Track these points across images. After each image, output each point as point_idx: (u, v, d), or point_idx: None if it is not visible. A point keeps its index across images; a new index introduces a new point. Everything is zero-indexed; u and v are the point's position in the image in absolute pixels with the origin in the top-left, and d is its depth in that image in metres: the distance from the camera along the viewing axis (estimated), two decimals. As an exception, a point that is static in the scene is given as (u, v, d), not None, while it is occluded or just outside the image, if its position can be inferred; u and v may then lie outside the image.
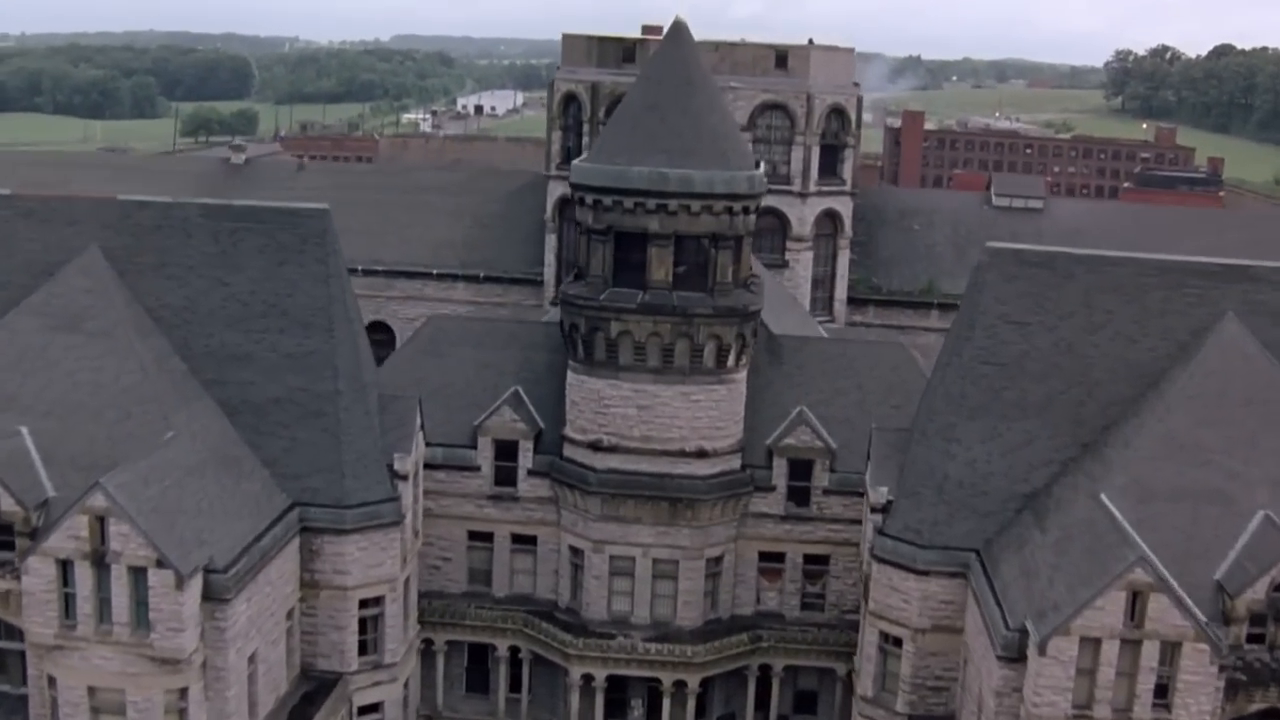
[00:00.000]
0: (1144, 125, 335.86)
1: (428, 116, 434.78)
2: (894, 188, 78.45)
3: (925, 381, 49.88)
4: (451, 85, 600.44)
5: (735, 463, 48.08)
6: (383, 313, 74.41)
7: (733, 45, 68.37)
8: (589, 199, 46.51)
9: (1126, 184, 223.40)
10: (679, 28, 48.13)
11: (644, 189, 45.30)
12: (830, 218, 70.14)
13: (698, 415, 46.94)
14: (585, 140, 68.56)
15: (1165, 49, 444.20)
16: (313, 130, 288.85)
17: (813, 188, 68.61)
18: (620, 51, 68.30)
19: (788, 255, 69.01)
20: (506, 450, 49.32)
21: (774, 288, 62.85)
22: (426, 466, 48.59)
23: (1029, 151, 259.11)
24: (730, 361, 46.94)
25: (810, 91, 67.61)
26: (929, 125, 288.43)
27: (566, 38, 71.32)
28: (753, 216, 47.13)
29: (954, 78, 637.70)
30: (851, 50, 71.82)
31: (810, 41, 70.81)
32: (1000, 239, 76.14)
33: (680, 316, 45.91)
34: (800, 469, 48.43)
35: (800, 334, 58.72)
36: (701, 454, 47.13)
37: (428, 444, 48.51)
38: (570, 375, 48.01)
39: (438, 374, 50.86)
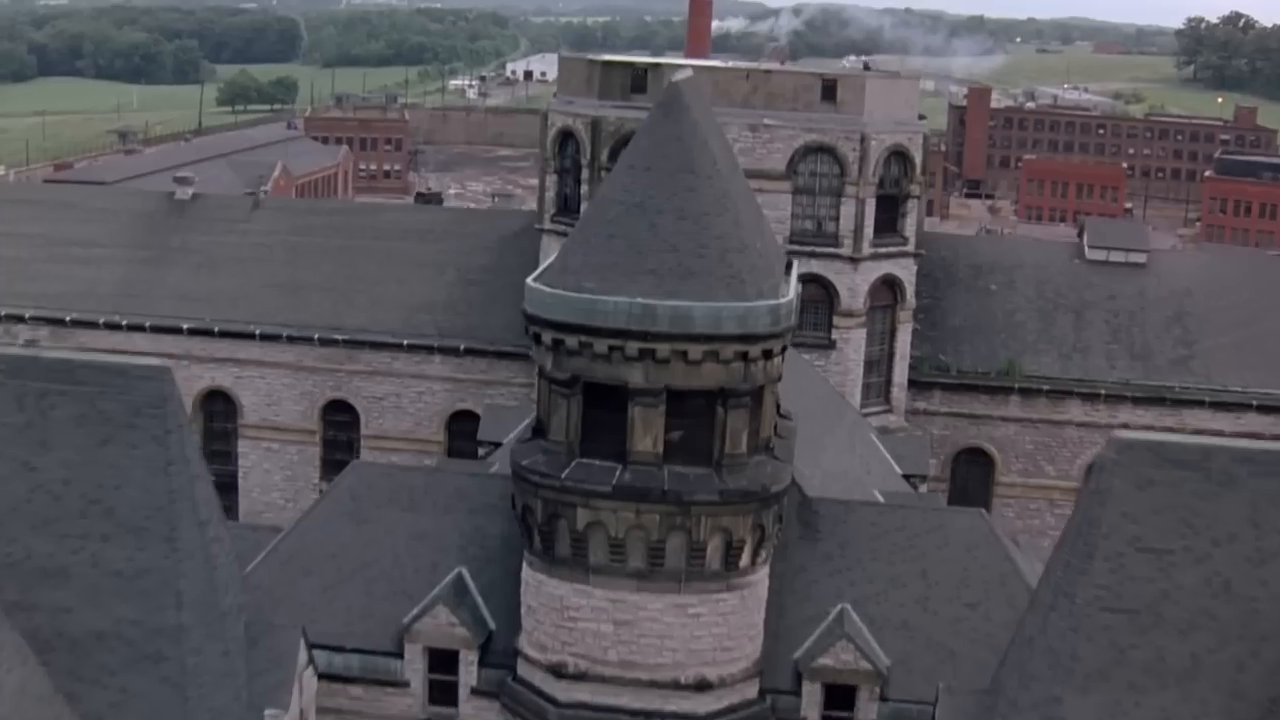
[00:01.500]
0: (1219, 99, 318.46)
1: (475, 83, 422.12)
2: (963, 238, 64.23)
3: (1012, 566, 36.60)
4: (504, 47, 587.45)
5: (750, 691, 34.92)
6: (344, 390, 61.75)
7: (768, 73, 54.94)
8: (546, 337, 33.34)
9: (1207, 171, 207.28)
10: (677, 93, 34.57)
11: (623, 328, 32.09)
12: (889, 285, 56.69)
13: (697, 634, 33.81)
14: (584, 189, 55.42)
15: (1239, 16, 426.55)
16: (349, 102, 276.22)
17: (867, 249, 55.18)
18: (628, 79, 55.05)
19: (835, 334, 55.72)
20: (444, 660, 36.45)
21: (813, 381, 49.62)
22: (338, 680, 35.96)
23: (1101, 132, 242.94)
24: (744, 561, 33.74)
25: (865, 131, 54.14)
26: (995, 96, 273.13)
27: (564, 62, 58.15)
28: (778, 360, 33.77)
29: (1018, 39, 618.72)
30: (915, 80, 58.25)
31: (865, 66, 57.06)
32: (1096, 303, 62.61)
33: (674, 504, 32.72)
34: (840, 697, 35.24)
35: (845, 451, 45.74)
36: (703, 685, 33.99)
37: (340, 649, 35.89)
38: (526, 572, 34.98)
39: (357, 547, 37.98)
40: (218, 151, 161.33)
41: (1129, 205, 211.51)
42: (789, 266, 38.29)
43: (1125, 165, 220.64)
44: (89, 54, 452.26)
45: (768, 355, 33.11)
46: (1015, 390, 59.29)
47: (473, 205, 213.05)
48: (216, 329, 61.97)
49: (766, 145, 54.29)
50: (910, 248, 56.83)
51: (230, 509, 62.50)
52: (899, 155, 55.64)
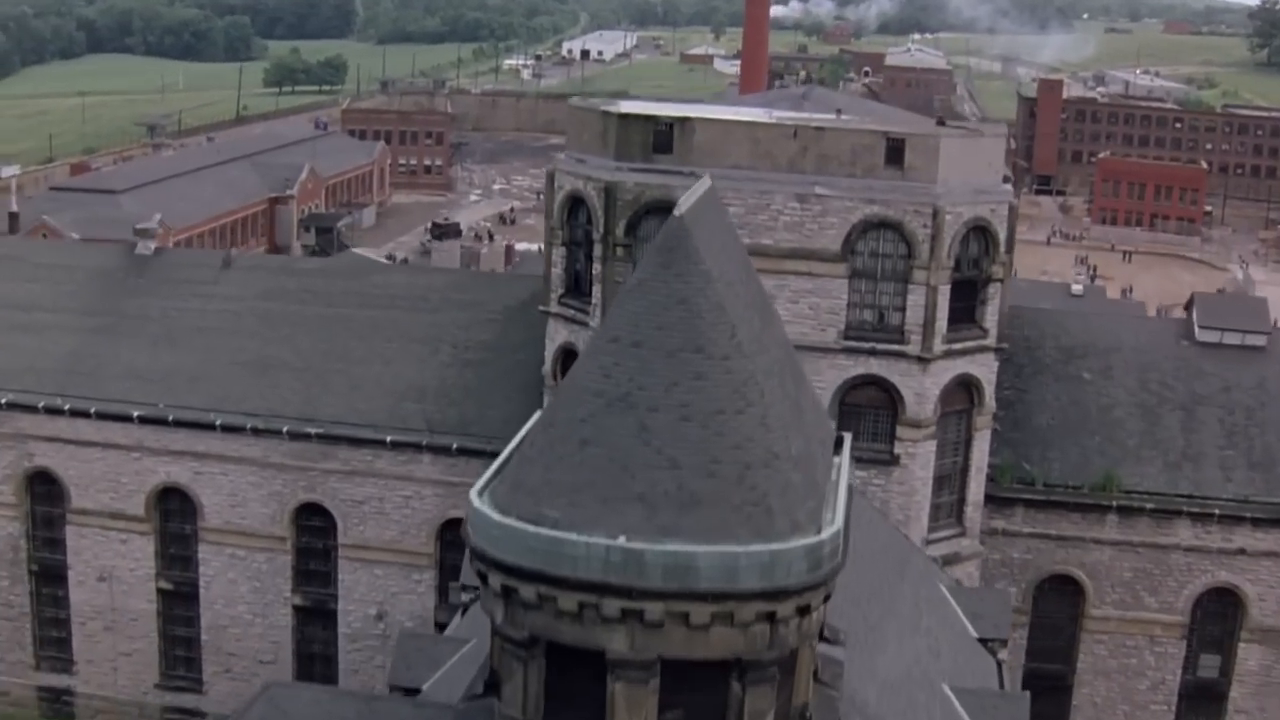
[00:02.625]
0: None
1: (529, 63, 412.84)
2: (1050, 314, 54.07)
3: None
4: (563, 23, 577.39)
5: None
6: (318, 491, 52.59)
7: (819, 130, 44.88)
8: (494, 581, 23.85)
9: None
10: (680, 234, 24.78)
11: (599, 580, 22.56)
12: (965, 387, 46.82)
13: None
14: (596, 268, 45.89)
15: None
16: (395, 88, 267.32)
17: (939, 347, 45.30)
18: (649, 136, 45.30)
19: (898, 447, 45.93)
20: None
21: (869, 521, 40.11)
22: None
23: (1178, 126, 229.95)
24: None
25: (938, 203, 44.25)
26: (1059, 77, 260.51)
27: (574, 112, 48.41)
28: (817, 615, 24.11)
29: (1085, 15, 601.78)
30: (1001, 137, 48.04)
31: (940, 122, 47.01)
32: (1209, 397, 51.94)
33: (670, 818, 23.29)
34: None
35: (909, 633, 36.59)
36: None
37: None
38: None
39: (262, 807, 28.74)
40: (242, 152, 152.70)
41: (1209, 207, 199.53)
42: (839, 443, 28.62)
43: (1203, 162, 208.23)
44: (139, 30, 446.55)
45: (804, 611, 23.46)
46: (1113, 508, 49.34)
47: (516, 204, 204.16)
48: (171, 417, 52.98)
49: (818, 219, 44.55)
50: (991, 341, 46.89)
51: (191, 621, 53.87)
52: (979, 231, 45.67)
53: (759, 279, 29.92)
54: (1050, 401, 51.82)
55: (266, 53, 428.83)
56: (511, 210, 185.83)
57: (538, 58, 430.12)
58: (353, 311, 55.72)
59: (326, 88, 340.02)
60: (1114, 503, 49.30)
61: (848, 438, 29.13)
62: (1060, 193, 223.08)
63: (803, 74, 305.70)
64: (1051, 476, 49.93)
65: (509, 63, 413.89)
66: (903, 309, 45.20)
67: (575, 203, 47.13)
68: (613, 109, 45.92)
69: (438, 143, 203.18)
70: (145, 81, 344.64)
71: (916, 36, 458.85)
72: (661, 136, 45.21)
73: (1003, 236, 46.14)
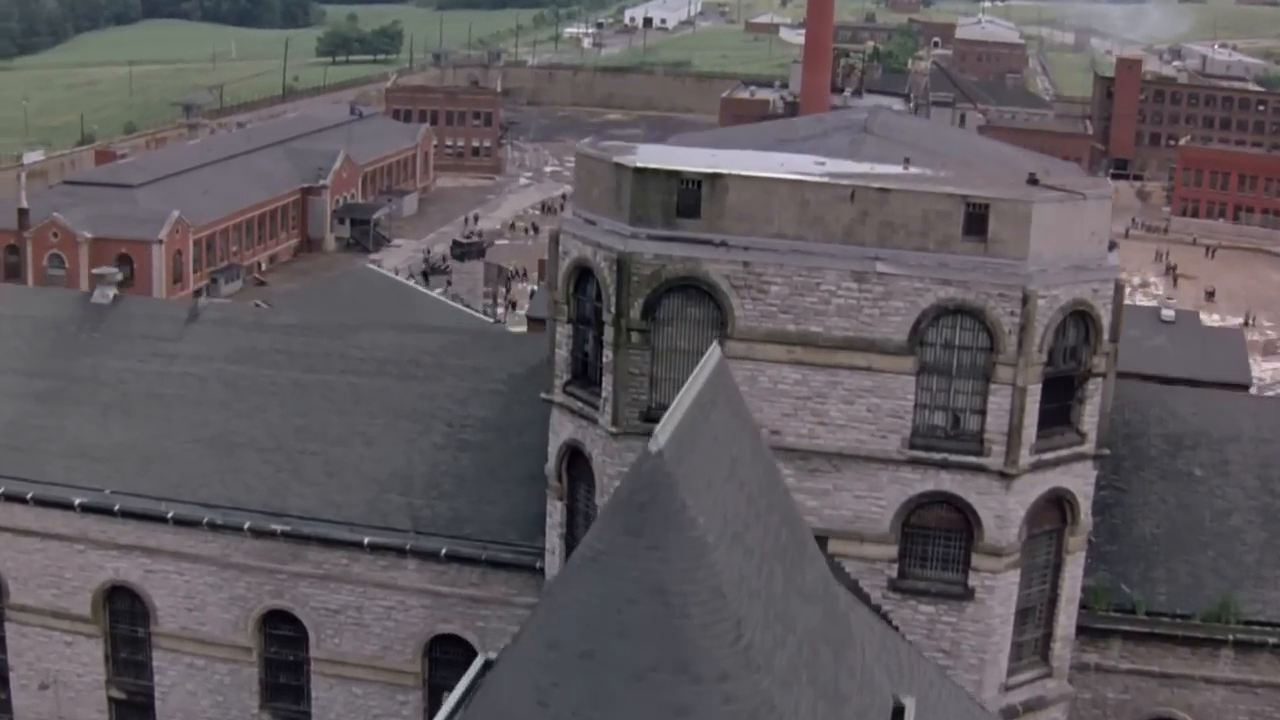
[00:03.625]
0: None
1: (590, 31, 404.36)
2: (1154, 393, 45.16)
3: None
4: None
5: None
6: (287, 596, 44.85)
7: (882, 193, 36.28)
8: None
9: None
10: (659, 485, 16.63)
11: None
12: (1057, 504, 38.27)
13: None
14: (607, 355, 37.69)
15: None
16: (448, 60, 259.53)
17: (1026, 458, 36.79)
18: (671, 196, 36.97)
19: (973, 579, 37.49)
20: None
21: (915, 665, 31.88)
22: None
23: (1261, 109, 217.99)
24: None
25: (1029, 285, 35.73)
26: (1138, 56, 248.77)
27: (582, 161, 39.94)
28: None
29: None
30: (1108, 192, 39.07)
31: (1032, 180, 38.11)
32: (1352, 495, 43.63)
33: None
34: None
35: None
36: None
37: None
38: None
39: None
40: (275, 138, 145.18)
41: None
42: (899, 715, 20.33)
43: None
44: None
45: None
46: (1229, 641, 40.73)
47: (569, 187, 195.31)
48: (117, 506, 45.31)
49: (880, 304, 36.13)
50: (1089, 447, 38.29)
51: (147, 734, 46.31)
52: (1079, 316, 37.07)
53: (788, 497, 21.56)
54: (1155, 505, 43.19)
55: (324, 18, 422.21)
56: (562, 198, 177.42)
57: (599, 25, 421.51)
58: (333, 378, 47.84)
59: (381, 57, 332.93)
60: (1230, 635, 40.67)
61: (910, 707, 20.77)
62: (1138, 177, 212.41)
63: (870, 45, 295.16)
64: (1155, 602, 41.31)
65: (569, 31, 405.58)
66: (982, 413, 36.71)
67: (583, 273, 38.88)
68: (627, 161, 37.42)
69: (486, 123, 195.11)
70: (198, 49, 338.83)
71: (987, 4, 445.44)
72: (687, 197, 36.85)
73: (1107, 321, 37.48)
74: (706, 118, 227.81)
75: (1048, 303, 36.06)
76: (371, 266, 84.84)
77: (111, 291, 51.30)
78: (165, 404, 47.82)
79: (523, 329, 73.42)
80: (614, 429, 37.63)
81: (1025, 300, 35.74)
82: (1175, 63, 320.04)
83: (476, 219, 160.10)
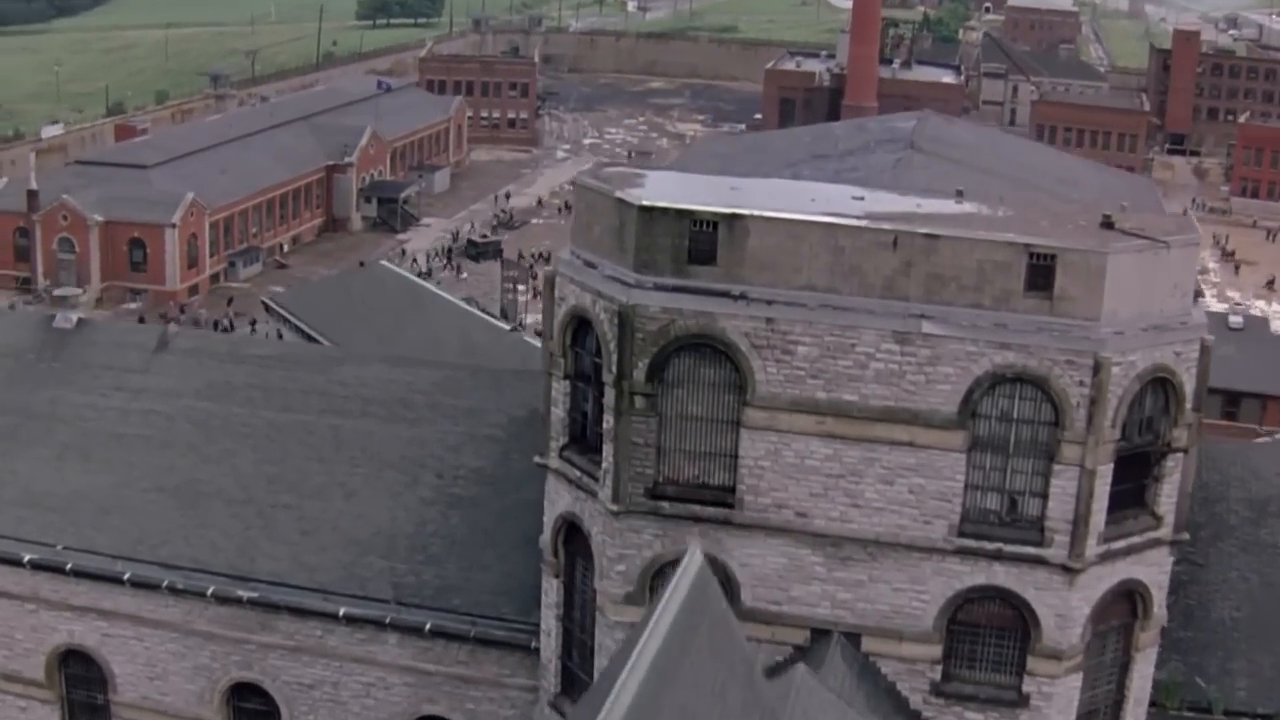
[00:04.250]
0: None
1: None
2: (1231, 449, 39.56)
3: None
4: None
5: None
6: (256, 669, 40.11)
7: (930, 239, 30.88)
8: None
9: None
10: None
11: None
12: (1128, 597, 32.99)
13: None
14: (608, 421, 32.68)
15: None
16: (488, 26, 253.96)
17: (1093, 549, 31.56)
18: (683, 239, 31.75)
19: (1029, 684, 32.32)
20: None
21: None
22: None
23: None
24: None
25: (1102, 350, 30.42)
26: (1194, 26, 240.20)
27: (582, 193, 34.59)
28: None
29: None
30: (1195, 239, 33.45)
31: (1106, 224, 32.58)
32: None
33: None
34: None
35: None
36: None
37: None
38: None
39: None
40: (299, 113, 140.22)
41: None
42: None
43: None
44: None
45: None
46: (1329, 751, 35.42)
47: (606, 160, 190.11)
48: (70, 565, 40.61)
49: (925, 369, 30.87)
50: (1166, 532, 32.97)
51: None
52: (1159, 383, 31.67)
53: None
54: (1235, 583, 37.82)
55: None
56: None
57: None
58: (312, 419, 42.96)
59: (421, 21, 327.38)
60: (1328, 742, 35.37)
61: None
62: (1194, 153, 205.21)
63: (920, 11, 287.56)
64: (1235, 699, 35.96)
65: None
66: (1043, 496, 31.44)
67: (582, 323, 33.71)
68: (631, 196, 32.15)
69: (523, 94, 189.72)
70: (238, 11, 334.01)
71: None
72: (701, 240, 31.61)
73: (1190, 388, 32.06)
74: (751, 86, 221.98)
75: (1123, 370, 30.70)
76: (385, 264, 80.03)
77: (75, 315, 46.56)
78: (127, 446, 43.07)
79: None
80: (615, 506, 32.60)
81: (1097, 368, 30.39)
82: (1231, 32, 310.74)
83: (509, 196, 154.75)
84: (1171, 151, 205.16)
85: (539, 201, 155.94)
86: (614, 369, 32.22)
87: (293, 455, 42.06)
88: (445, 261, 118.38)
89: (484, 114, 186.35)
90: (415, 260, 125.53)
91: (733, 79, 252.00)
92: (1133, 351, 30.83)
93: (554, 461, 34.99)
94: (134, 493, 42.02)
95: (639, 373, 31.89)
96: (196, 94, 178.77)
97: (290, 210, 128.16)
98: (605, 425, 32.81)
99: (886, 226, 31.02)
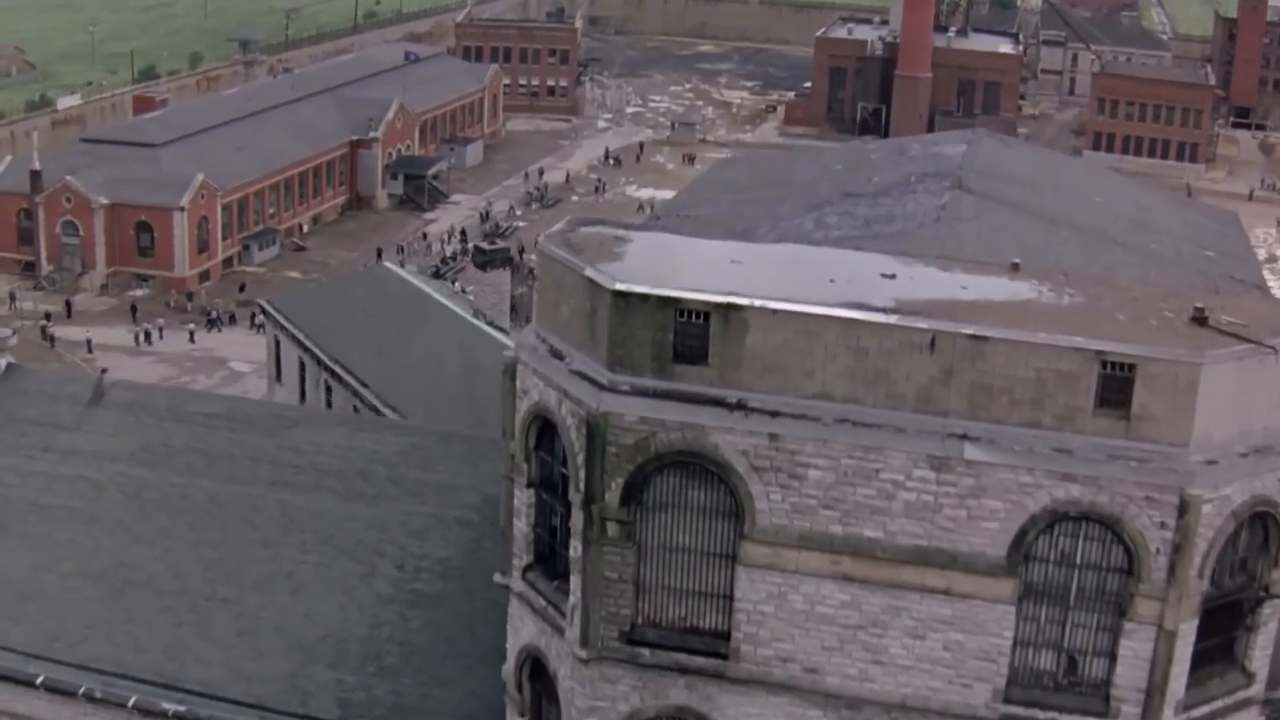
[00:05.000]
0: None
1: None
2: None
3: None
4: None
5: None
6: (181, 794, 34.46)
7: (975, 343, 24.62)
8: None
9: None
10: None
11: None
12: (1213, 778, 26.85)
13: None
14: (576, 549, 26.75)
15: None
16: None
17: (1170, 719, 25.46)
18: (666, 333, 25.68)
19: None
20: None
21: None
22: None
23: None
24: None
25: (1191, 485, 24.31)
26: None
27: (546, 263, 28.36)
28: None
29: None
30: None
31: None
32: None
33: None
34: None
35: None
36: None
37: None
38: None
39: None
40: (324, 84, 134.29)
41: None
42: None
43: None
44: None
45: None
46: None
47: (650, 131, 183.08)
48: (-28, 664, 35.07)
49: (967, 502, 24.81)
50: (1258, 691, 26.87)
51: None
52: (1258, 519, 25.46)
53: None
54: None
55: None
56: (640, 149, 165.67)
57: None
58: (260, 493, 37.32)
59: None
60: None
61: None
62: (1260, 126, 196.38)
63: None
64: None
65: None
66: (1110, 657, 25.39)
67: (541, 425, 27.78)
68: (603, 277, 26.07)
69: (563, 61, 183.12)
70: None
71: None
72: (689, 335, 25.60)
73: (1293, 524, 25.83)
74: (802, 51, 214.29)
75: (1215, 508, 24.53)
76: (390, 266, 74.16)
77: (3, 361, 40.91)
78: (51, 520, 37.58)
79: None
80: (584, 653, 26.75)
81: (1184, 507, 24.26)
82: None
83: (542, 173, 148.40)
84: (1236, 125, 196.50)
85: (567, 178, 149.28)
86: (582, 488, 26.27)
87: (234, 537, 36.40)
88: (461, 247, 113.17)
89: (522, 82, 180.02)
90: (441, 242, 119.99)
91: (784, 43, 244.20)
92: (1228, 484, 24.65)
93: (516, 583, 29.15)
94: (54, 577, 36.49)
95: (612, 495, 25.96)
96: (225, 60, 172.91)
97: (311, 188, 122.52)
98: (573, 553, 26.90)
99: (922, 325, 24.82)
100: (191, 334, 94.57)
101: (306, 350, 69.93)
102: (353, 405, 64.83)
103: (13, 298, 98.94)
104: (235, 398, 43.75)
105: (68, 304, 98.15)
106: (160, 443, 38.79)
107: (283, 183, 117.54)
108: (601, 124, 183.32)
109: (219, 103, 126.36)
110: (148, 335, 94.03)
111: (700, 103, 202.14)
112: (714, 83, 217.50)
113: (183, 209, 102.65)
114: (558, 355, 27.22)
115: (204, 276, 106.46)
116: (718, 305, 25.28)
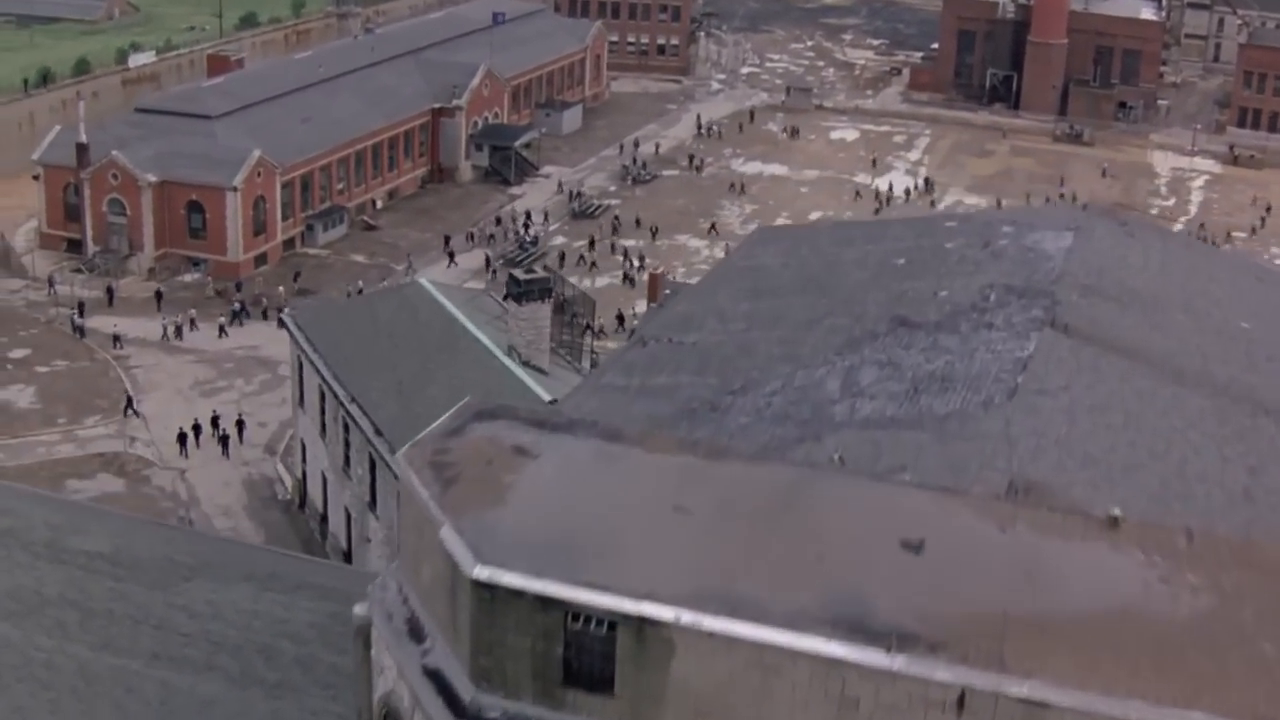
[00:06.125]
0: None
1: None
2: None
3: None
4: None
5: None
6: None
7: (1034, 711, 15.31)
8: None
9: None
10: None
11: None
12: None
13: None
14: None
15: None
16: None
17: None
18: (555, 640, 16.64)
19: None
20: None
21: None
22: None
23: None
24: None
25: None
26: None
27: (403, 488, 19.45)
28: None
29: None
30: None
31: None
32: None
33: None
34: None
35: None
36: None
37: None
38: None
39: None
40: (406, 47, 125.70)
41: None
42: None
43: None
44: None
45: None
46: None
47: (764, 95, 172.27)
48: None
49: None
50: None
51: None
52: None
53: None
54: None
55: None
56: (751, 115, 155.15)
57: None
58: (138, 668, 29.54)
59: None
60: None
61: None
62: None
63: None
64: None
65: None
66: None
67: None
68: (464, 551, 17.21)
69: (674, 18, 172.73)
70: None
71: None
72: (587, 651, 16.75)
73: None
74: (934, 6, 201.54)
75: None
76: (423, 283, 65.92)
77: None
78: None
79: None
80: None
81: None
82: None
83: (637, 145, 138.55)
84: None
85: (656, 150, 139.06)
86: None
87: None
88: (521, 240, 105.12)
89: (630, 39, 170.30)
90: (522, 228, 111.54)
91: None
92: None
93: None
94: None
95: None
96: (318, 14, 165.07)
97: (386, 162, 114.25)
98: None
99: (944, 676, 15.59)
100: (221, 328, 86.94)
101: (325, 380, 62.22)
102: (368, 454, 57.24)
103: (51, 283, 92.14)
104: (125, 541, 33.71)
105: (109, 290, 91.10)
106: (33, 589, 30.98)
107: (353, 156, 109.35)
108: (714, 85, 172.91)
109: (289, 67, 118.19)
110: (179, 329, 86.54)
111: (821, 62, 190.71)
112: (838, 40, 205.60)
113: (236, 189, 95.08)
114: (416, 633, 18.61)
115: (260, 260, 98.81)
116: (627, 617, 16.32)
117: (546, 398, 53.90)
